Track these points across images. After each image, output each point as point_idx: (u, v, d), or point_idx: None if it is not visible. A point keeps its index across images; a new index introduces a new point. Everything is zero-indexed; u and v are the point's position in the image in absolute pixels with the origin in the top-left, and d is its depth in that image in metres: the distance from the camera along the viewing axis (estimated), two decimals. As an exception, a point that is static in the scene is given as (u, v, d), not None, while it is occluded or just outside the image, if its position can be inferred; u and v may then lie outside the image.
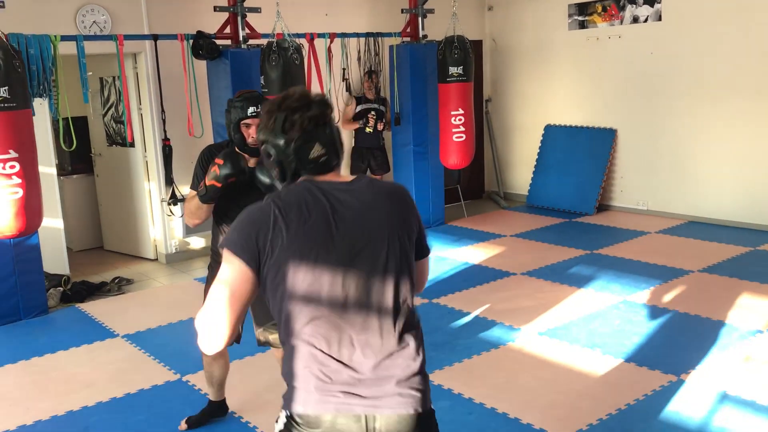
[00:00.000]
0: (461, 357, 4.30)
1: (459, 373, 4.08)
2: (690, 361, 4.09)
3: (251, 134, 2.99)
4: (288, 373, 1.84)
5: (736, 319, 4.70)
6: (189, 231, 6.78)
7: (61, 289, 5.83)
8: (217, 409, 3.62)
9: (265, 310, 3.11)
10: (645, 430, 3.42)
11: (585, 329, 4.64)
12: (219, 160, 2.92)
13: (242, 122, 3.02)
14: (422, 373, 1.87)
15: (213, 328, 1.78)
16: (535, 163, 8.59)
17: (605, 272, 5.80)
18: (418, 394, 1.83)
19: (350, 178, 1.92)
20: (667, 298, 5.16)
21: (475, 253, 6.56)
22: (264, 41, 6.12)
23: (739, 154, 6.97)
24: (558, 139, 8.42)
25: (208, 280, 3.25)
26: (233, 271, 1.78)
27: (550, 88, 8.48)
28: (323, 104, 1.89)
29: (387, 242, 1.85)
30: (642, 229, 7.16)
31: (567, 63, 8.25)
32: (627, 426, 3.46)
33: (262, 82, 5.88)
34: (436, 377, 4.01)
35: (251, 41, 6.24)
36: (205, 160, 3.13)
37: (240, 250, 1.78)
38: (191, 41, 5.98)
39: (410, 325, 1.88)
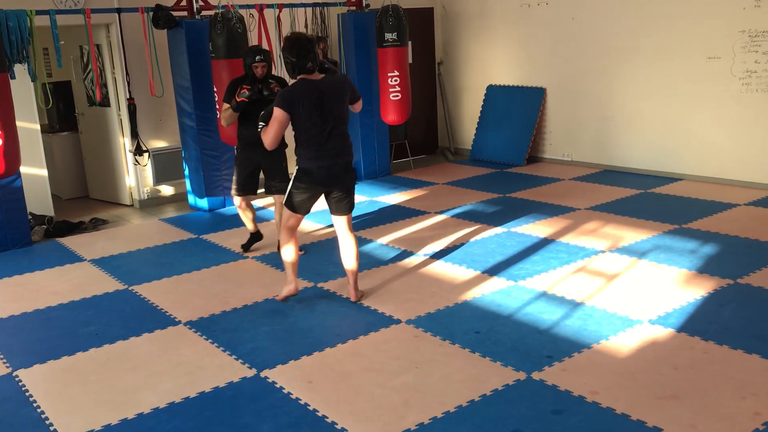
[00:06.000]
0: (354, 271, 5.29)
1: (345, 283, 5.06)
2: (532, 272, 5.06)
3: (258, 72, 5.27)
4: (301, 154, 4.37)
5: (587, 242, 5.65)
6: (159, 179, 7.81)
7: (45, 227, 6.90)
8: (257, 235, 5.92)
9: (249, 185, 5.59)
10: (460, 317, 4.40)
11: (463, 252, 5.61)
12: (246, 88, 5.17)
13: (253, 65, 5.25)
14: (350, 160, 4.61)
15: (268, 137, 4.29)
16: (478, 119, 9.48)
17: (506, 211, 6.74)
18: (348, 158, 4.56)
19: (320, 76, 4.32)
20: (545, 229, 6.10)
21: (403, 198, 7.52)
22: (215, 12, 7.04)
23: (645, 109, 7.83)
24: (497, 98, 9.30)
25: (236, 158, 5.62)
26: (281, 115, 4.23)
27: (491, 51, 9.33)
28: (311, 41, 4.31)
29: (339, 105, 4.40)
30: (559, 176, 8.07)
31: (504, 28, 9.09)
32: (457, 313, 4.43)
33: (210, 47, 6.81)
34: (328, 285, 5.02)
35: (205, 12, 7.17)
36: (233, 86, 5.37)
37: (285, 106, 4.23)
38: (151, 13, 6.93)
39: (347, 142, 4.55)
